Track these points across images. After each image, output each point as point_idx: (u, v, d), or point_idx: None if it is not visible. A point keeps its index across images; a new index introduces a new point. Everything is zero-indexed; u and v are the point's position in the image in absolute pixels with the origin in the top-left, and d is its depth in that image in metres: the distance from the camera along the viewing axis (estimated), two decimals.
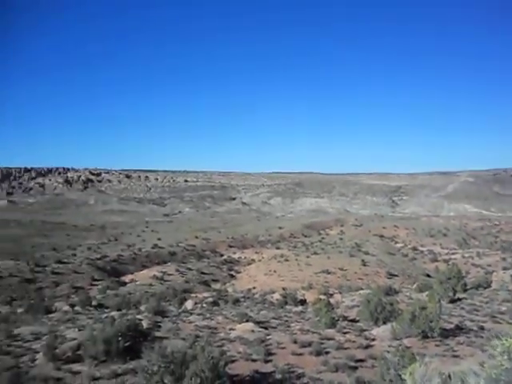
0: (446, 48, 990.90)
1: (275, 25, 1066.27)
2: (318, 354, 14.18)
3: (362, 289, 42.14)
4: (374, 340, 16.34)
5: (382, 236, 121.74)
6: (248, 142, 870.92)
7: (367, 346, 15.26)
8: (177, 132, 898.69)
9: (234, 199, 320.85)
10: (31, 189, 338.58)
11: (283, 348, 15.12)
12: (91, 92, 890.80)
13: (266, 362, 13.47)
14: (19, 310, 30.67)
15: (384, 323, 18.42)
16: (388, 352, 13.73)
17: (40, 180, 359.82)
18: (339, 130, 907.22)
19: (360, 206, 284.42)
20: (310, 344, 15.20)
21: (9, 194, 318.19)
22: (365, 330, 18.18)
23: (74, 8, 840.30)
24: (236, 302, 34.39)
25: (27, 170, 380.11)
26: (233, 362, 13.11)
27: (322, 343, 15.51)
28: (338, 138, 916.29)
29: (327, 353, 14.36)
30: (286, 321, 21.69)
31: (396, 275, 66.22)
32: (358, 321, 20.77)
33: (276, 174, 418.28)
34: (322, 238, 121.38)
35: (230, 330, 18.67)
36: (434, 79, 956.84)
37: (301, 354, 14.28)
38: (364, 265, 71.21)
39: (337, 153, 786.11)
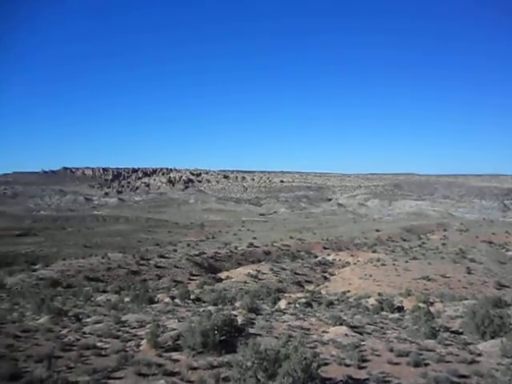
0: None
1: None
2: (416, 365, 13.40)
3: (466, 299, 39.09)
4: (479, 355, 15.03)
5: (490, 242, 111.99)
6: (345, 144, 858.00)
7: (472, 362, 14.08)
8: (273, 134, 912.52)
9: (329, 200, 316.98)
10: (138, 188, 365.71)
11: (378, 355, 14.54)
12: (195, 97, 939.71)
13: (360, 368, 13.06)
14: (126, 299, 33.14)
15: (492, 338, 16.90)
16: (497, 370, 12.61)
17: (146, 180, 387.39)
18: (440, 129, 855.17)
19: (466, 209, 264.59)
20: (407, 354, 14.41)
21: (119, 192, 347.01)
22: (469, 344, 16.82)
23: None
24: (330, 304, 33.84)
25: (135, 171, 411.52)
26: (325, 364, 12.90)
27: (421, 354, 14.64)
28: (439, 138, 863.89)
29: (426, 365, 13.51)
30: (382, 327, 20.85)
31: (507, 286, 60.47)
32: (461, 333, 19.30)
33: (373, 176, 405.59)
34: (423, 243, 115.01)
35: (323, 332, 18.41)
36: None
37: (397, 364, 13.62)
38: (469, 273, 66.09)
39: (438, 153, 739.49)
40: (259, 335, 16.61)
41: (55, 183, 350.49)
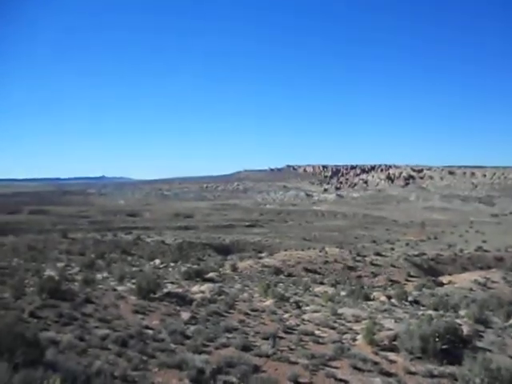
0: None
1: None
2: None
3: None
4: None
5: None
6: None
7: None
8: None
9: None
10: (356, 184, 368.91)
11: None
12: (412, 91, 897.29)
13: None
14: (342, 293, 33.76)
15: None
16: None
17: (364, 176, 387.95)
18: None
19: None
20: None
21: (337, 188, 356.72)
22: None
23: None
24: None
25: (353, 167, 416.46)
26: None
27: None
28: None
29: None
30: None
31: None
32: None
33: None
34: None
35: None
36: None
37: None
38: None
39: None
40: (489, 351, 14.73)
41: (280, 180, 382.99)
